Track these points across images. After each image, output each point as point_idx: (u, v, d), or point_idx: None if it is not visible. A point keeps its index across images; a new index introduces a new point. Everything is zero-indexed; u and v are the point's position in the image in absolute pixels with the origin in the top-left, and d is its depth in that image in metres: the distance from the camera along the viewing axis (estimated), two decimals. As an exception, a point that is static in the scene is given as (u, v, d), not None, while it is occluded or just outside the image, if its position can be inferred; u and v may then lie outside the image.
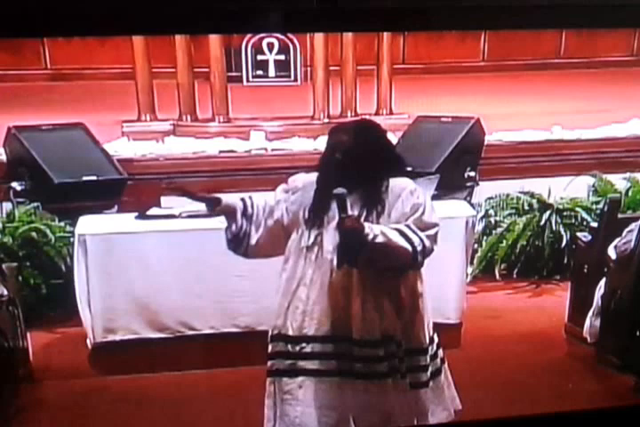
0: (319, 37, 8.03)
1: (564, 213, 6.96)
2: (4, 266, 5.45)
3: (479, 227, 6.85)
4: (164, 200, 6.25)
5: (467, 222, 5.86)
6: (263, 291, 5.48)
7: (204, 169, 7.23)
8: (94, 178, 6.75)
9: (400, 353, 4.13)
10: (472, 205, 6.70)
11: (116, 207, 6.54)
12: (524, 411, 4.69)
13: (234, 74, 8.41)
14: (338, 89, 8.29)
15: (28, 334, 5.39)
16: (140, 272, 5.56)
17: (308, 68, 8.32)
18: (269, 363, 4.19)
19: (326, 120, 8.06)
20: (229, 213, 4.26)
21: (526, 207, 7.06)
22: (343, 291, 4.06)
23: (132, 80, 8.12)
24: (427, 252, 4.06)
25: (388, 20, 3.56)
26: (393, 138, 7.54)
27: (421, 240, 4.01)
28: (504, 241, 6.92)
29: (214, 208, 4.30)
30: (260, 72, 8.39)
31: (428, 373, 4.23)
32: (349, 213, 3.95)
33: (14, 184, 6.81)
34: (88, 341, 5.59)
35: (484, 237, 6.98)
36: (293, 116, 8.20)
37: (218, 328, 5.62)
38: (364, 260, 3.99)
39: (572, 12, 3.54)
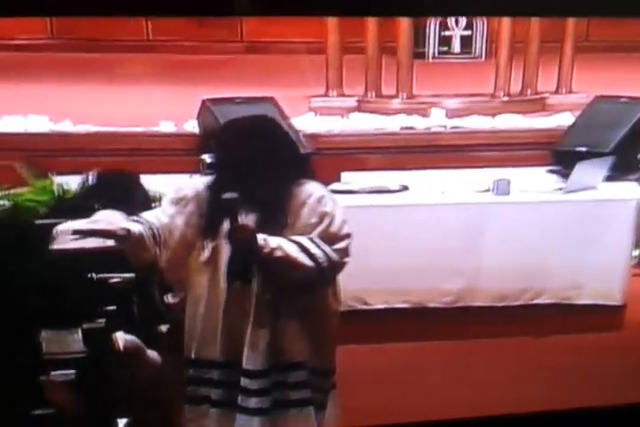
0: (507, 13, 7.85)
1: None
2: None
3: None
4: (345, 176, 6.27)
5: (637, 204, 5.70)
6: (433, 269, 5.57)
7: (385, 145, 7.22)
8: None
9: (303, 379, 3.57)
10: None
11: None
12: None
13: (419, 50, 8.32)
14: (519, 66, 8.10)
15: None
16: (320, 246, 5.61)
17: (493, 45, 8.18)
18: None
19: (506, 98, 7.94)
20: (137, 243, 3.53)
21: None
22: (239, 312, 3.50)
23: (323, 54, 8.11)
24: (336, 267, 3.52)
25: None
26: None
27: (326, 255, 3.45)
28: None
29: (125, 242, 3.53)
30: (444, 48, 8.29)
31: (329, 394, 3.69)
32: (240, 221, 3.41)
33: (205, 156, 6.92)
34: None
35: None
36: (473, 94, 8.06)
37: (391, 303, 5.62)
38: (260, 276, 3.48)
39: None
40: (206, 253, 3.50)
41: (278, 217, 3.48)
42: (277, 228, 3.46)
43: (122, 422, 3.67)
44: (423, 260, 5.52)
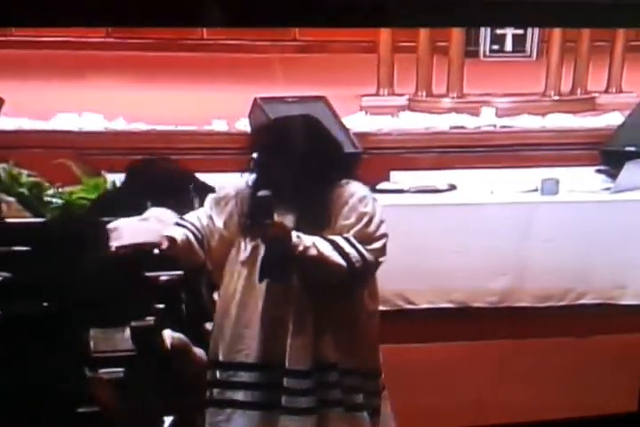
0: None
1: None
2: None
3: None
4: (394, 175, 6.26)
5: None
6: (479, 268, 5.55)
7: (434, 144, 7.18)
8: (330, 151, 6.80)
9: (346, 380, 3.56)
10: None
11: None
12: None
13: (470, 49, 8.25)
14: (570, 66, 7.97)
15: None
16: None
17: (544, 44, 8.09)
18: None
19: (556, 97, 7.84)
20: (184, 249, 3.62)
21: None
22: (278, 313, 3.51)
23: (374, 54, 8.07)
24: (370, 267, 3.50)
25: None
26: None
27: (360, 254, 3.44)
28: None
29: (169, 251, 3.62)
30: (496, 47, 8.22)
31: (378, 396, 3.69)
32: (274, 218, 3.40)
33: (256, 155, 6.92)
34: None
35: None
36: (524, 93, 7.95)
37: (435, 303, 5.61)
38: (297, 276, 3.47)
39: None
40: (246, 253, 3.51)
41: (319, 217, 3.48)
42: (318, 228, 3.46)
43: (167, 420, 3.70)
44: (469, 259, 5.51)
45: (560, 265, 5.54)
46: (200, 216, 3.63)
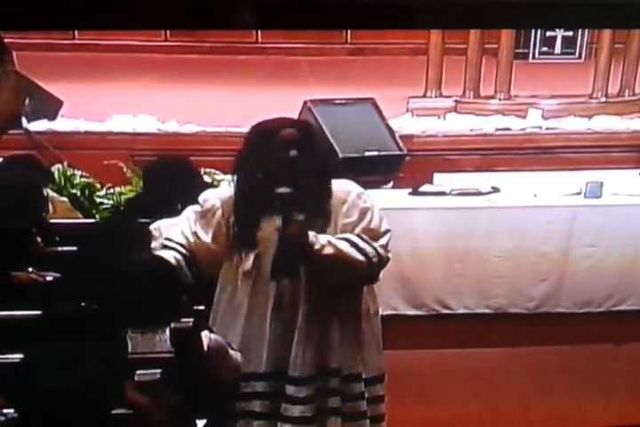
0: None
1: None
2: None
3: None
4: (437, 177, 6.18)
5: None
6: (519, 273, 5.42)
7: (480, 147, 7.07)
8: (376, 153, 6.74)
9: (348, 387, 3.46)
10: None
11: (391, 183, 6.52)
12: None
13: (519, 51, 8.16)
14: (618, 68, 7.81)
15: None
16: (409, 248, 5.51)
17: (593, 46, 7.96)
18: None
19: (603, 99, 7.69)
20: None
21: None
22: (285, 319, 3.41)
23: (424, 56, 7.98)
24: (383, 262, 3.39)
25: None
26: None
27: (375, 250, 3.35)
28: None
29: None
30: (546, 49, 8.12)
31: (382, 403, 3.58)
32: (295, 217, 3.25)
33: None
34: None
35: None
36: (571, 95, 7.80)
37: (472, 308, 5.50)
38: (306, 280, 3.36)
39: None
40: (248, 263, 3.39)
41: (321, 217, 3.37)
42: (321, 228, 3.35)
43: (201, 423, 3.65)
44: (511, 264, 5.39)
45: (602, 270, 5.40)
46: (185, 233, 3.48)
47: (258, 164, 3.40)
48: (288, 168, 3.35)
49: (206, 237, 3.44)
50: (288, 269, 3.33)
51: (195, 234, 3.46)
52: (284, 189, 3.27)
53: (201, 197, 3.48)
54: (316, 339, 3.41)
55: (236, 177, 3.47)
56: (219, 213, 3.43)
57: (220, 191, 3.51)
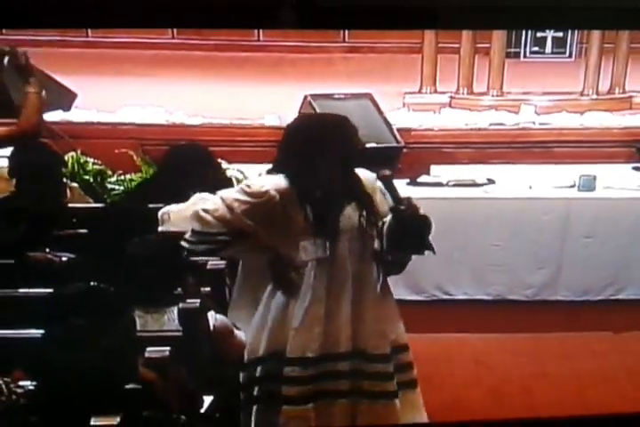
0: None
1: None
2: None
3: None
4: (434, 169, 6.13)
5: None
6: (517, 262, 5.37)
7: (474, 140, 7.02)
8: (374, 145, 6.69)
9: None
10: None
11: (389, 174, 6.44)
12: None
13: (511, 50, 8.13)
14: (608, 67, 7.77)
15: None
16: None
17: (583, 46, 7.90)
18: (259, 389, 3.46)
19: (594, 96, 7.64)
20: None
21: None
22: (359, 301, 3.34)
23: (419, 54, 7.96)
24: None
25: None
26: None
27: None
28: None
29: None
30: (537, 48, 8.09)
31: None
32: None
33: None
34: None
35: None
36: (563, 92, 7.75)
37: (471, 295, 5.44)
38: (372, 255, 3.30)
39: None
40: (319, 250, 3.28)
41: (371, 204, 3.32)
42: (375, 214, 3.30)
43: (208, 399, 3.60)
44: (507, 252, 5.34)
45: (597, 260, 5.36)
46: (229, 221, 3.28)
47: (330, 155, 3.27)
48: (359, 157, 3.31)
49: (256, 227, 3.26)
50: (426, 244, 3.25)
51: (255, 216, 3.27)
52: (385, 172, 3.24)
53: (254, 188, 3.28)
54: (384, 316, 3.39)
55: (297, 169, 3.30)
56: (273, 202, 3.25)
57: (271, 180, 3.29)
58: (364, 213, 3.29)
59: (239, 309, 3.51)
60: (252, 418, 3.46)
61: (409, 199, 3.21)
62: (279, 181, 3.25)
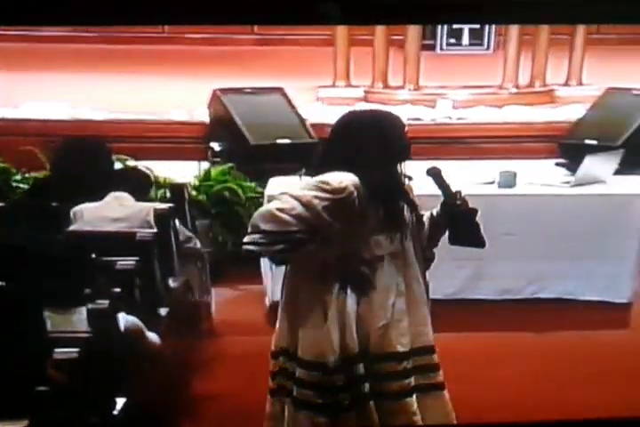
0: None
1: None
2: (197, 222, 5.52)
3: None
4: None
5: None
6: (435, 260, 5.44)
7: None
8: (288, 141, 6.76)
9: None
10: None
11: (304, 170, 6.51)
12: None
13: (427, 42, 8.26)
14: (528, 59, 7.91)
15: (212, 290, 5.34)
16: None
17: (501, 37, 8.03)
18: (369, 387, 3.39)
19: (514, 90, 7.77)
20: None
21: None
22: (423, 295, 3.45)
23: (331, 47, 8.04)
24: None
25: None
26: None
27: None
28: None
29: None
30: (453, 40, 8.22)
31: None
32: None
33: (213, 144, 6.89)
34: (266, 299, 5.47)
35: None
36: (481, 85, 7.87)
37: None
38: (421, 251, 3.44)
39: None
40: (392, 245, 3.33)
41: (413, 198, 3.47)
42: (417, 209, 3.44)
43: (120, 401, 3.64)
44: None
45: (519, 258, 5.39)
46: (308, 217, 3.23)
47: (392, 150, 3.38)
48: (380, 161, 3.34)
49: (333, 223, 3.24)
50: (481, 237, 3.41)
51: (332, 211, 3.24)
52: (434, 169, 3.42)
53: (334, 184, 3.24)
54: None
55: (368, 165, 3.30)
56: (352, 197, 3.23)
57: (345, 177, 3.24)
58: (413, 208, 3.43)
59: (296, 312, 3.41)
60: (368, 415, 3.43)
61: (461, 193, 3.39)
62: (352, 177, 3.25)
